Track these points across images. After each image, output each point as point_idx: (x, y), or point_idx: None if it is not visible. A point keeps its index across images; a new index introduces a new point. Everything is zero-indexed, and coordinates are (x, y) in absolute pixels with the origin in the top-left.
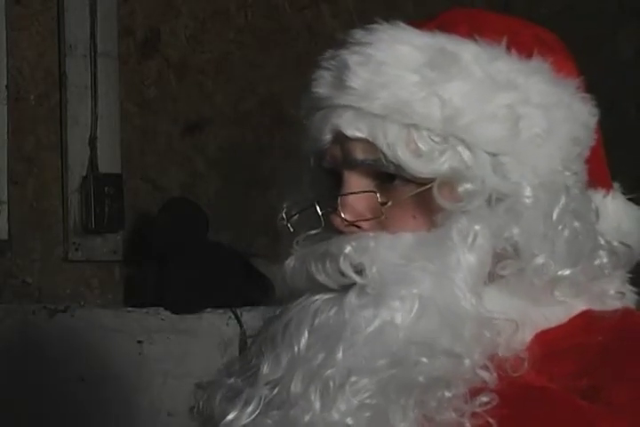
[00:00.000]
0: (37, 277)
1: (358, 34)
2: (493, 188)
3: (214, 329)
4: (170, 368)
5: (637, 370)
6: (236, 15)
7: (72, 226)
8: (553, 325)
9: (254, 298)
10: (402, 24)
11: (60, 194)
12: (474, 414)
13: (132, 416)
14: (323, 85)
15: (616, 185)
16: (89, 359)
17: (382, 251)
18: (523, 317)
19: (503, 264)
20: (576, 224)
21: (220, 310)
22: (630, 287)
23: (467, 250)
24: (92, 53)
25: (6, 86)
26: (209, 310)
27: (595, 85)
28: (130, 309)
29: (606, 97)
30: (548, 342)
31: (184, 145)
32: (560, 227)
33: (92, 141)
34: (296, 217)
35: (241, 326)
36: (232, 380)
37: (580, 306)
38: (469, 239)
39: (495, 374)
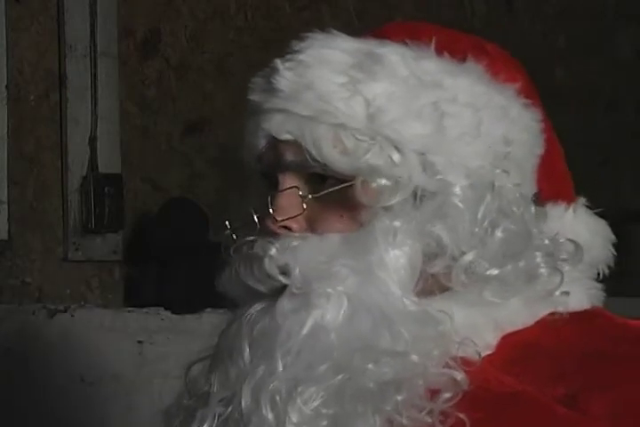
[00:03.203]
0: (37, 277)
1: (293, 43)
2: (420, 185)
3: (214, 329)
4: (170, 368)
5: (609, 376)
6: (235, 15)
7: (72, 226)
8: (519, 327)
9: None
10: (335, 32)
11: (60, 194)
12: (443, 413)
13: (132, 416)
14: (255, 92)
15: (581, 200)
16: (89, 359)
17: (306, 250)
18: (485, 319)
19: (434, 263)
20: (506, 223)
21: (220, 310)
22: (597, 285)
23: (390, 247)
24: (92, 53)
25: (6, 86)
26: (209, 310)
27: (595, 85)
28: (130, 309)
29: (606, 97)
30: (517, 346)
31: (184, 145)
32: (486, 224)
33: (92, 141)
34: (240, 228)
35: None
36: (188, 402)
37: (544, 308)
38: (390, 237)
39: (464, 374)
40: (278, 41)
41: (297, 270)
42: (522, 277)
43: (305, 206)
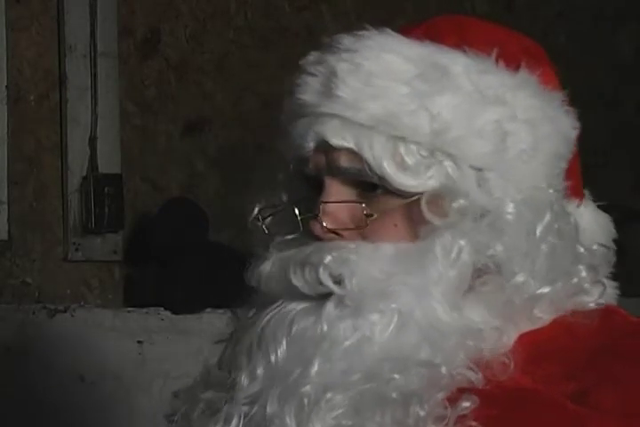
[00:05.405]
0: (37, 277)
1: (345, 39)
2: (478, 203)
3: (214, 329)
4: (170, 368)
5: (622, 372)
6: (235, 15)
7: (72, 226)
8: (537, 326)
9: (250, 301)
10: (389, 31)
11: (60, 194)
12: (459, 418)
13: (132, 416)
14: (308, 92)
15: (586, 192)
16: (89, 359)
17: (363, 263)
18: (505, 320)
19: (483, 280)
20: (558, 242)
21: (220, 310)
22: (611, 283)
23: (449, 265)
24: (92, 53)
25: (6, 86)
26: (209, 310)
27: (595, 85)
28: (130, 309)
29: (606, 97)
30: (533, 345)
31: (184, 145)
32: (543, 245)
33: (92, 141)
34: (269, 219)
35: None
36: (209, 393)
37: (563, 309)
38: (453, 254)
39: (481, 375)
40: (278, 41)
41: (353, 282)
42: (569, 292)
43: (368, 223)
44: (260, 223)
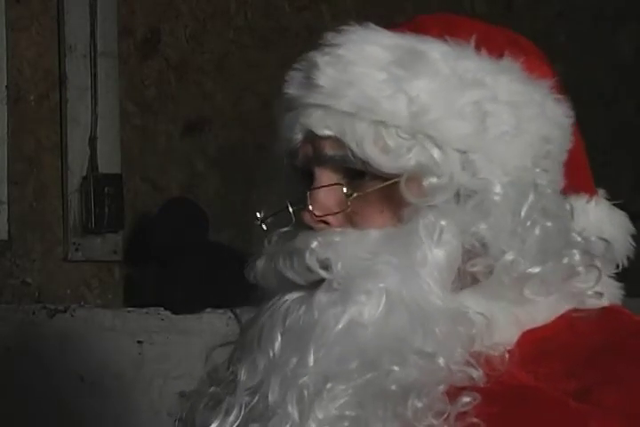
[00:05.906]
0: (37, 278)
1: (329, 35)
2: (462, 184)
3: (214, 329)
4: (170, 368)
5: (625, 371)
6: (235, 15)
7: (72, 226)
8: (539, 324)
9: (254, 298)
10: (372, 25)
11: (60, 194)
12: (460, 415)
13: (132, 416)
14: (293, 86)
15: (601, 191)
16: (89, 359)
17: (348, 246)
18: (507, 316)
19: (473, 262)
20: (546, 221)
21: (220, 310)
22: (616, 283)
23: (433, 245)
24: (92, 53)
25: (6, 86)
26: (209, 310)
27: (595, 85)
28: (130, 309)
29: (606, 97)
30: (535, 342)
31: (184, 145)
32: (529, 224)
33: (92, 141)
34: (271, 218)
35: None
36: (213, 388)
37: (565, 305)
38: (435, 235)
39: (482, 372)
40: (278, 41)
41: (339, 266)
42: (562, 274)
43: (349, 204)
44: (258, 222)
